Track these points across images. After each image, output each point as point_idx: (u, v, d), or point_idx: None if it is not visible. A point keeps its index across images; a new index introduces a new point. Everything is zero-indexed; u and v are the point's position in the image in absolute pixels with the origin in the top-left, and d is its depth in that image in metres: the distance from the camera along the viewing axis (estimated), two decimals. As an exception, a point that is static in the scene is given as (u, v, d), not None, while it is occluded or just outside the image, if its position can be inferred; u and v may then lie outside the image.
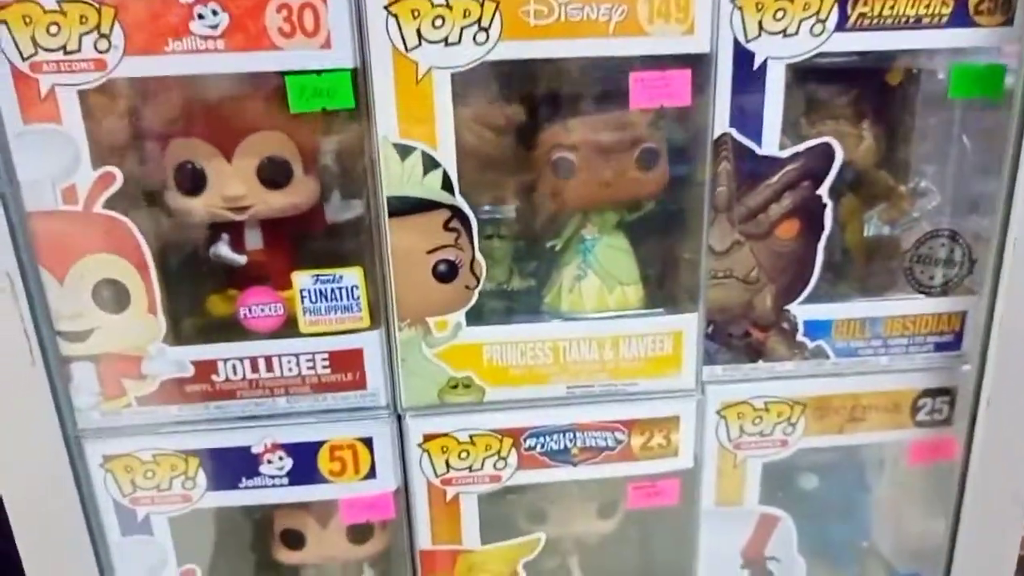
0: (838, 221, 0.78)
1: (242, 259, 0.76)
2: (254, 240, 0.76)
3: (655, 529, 0.91)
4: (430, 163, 0.69)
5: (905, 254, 0.79)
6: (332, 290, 0.73)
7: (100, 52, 0.64)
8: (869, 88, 0.77)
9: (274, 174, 0.72)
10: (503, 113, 0.74)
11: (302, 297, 0.73)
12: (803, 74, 0.72)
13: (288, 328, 0.75)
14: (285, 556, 0.86)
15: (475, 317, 0.75)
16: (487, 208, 0.79)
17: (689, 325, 0.76)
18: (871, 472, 0.92)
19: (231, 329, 0.75)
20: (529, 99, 0.74)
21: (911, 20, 0.69)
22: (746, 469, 0.84)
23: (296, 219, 0.75)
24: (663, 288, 0.80)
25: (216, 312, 0.78)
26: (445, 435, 0.78)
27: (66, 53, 0.63)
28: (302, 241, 0.78)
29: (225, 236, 0.76)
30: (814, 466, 0.90)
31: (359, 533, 0.85)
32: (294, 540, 0.85)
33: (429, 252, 0.73)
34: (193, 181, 0.72)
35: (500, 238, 0.81)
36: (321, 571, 0.89)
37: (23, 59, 0.63)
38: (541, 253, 0.81)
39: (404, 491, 0.80)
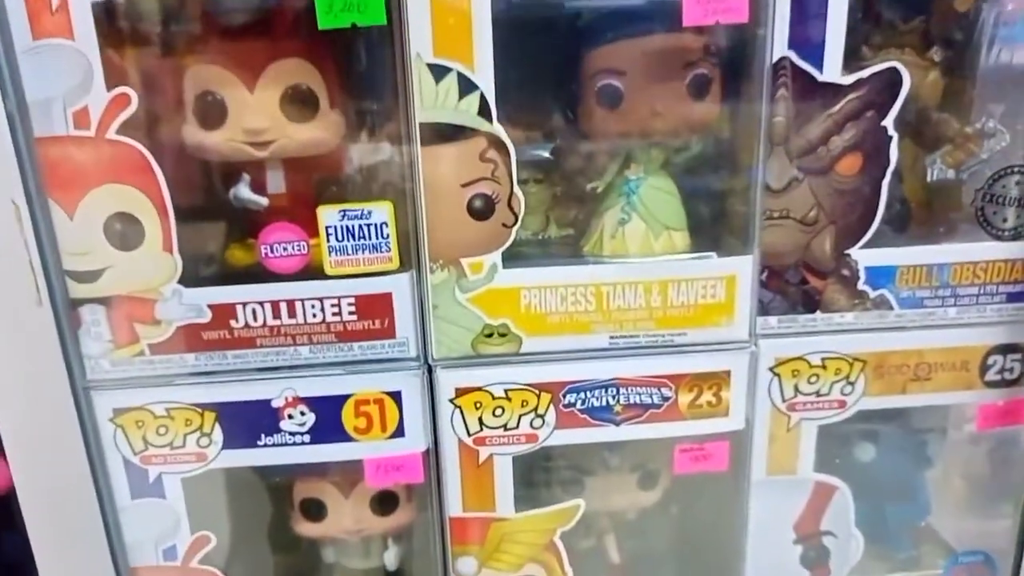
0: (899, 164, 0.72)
1: (264, 201, 0.71)
2: (276, 183, 0.72)
3: (699, 502, 0.85)
4: (466, 86, 0.64)
5: (976, 192, 0.73)
6: (360, 227, 0.68)
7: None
8: (936, 14, 0.72)
9: (299, 104, 0.67)
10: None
11: (328, 235, 0.68)
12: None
13: (312, 275, 0.70)
14: (305, 528, 0.81)
15: (511, 261, 0.70)
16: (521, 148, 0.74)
17: (743, 269, 0.71)
18: (933, 443, 0.86)
19: (252, 279, 0.71)
20: (571, 20, 0.69)
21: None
22: (800, 433, 0.78)
23: (320, 161, 0.71)
24: (713, 235, 0.75)
25: (236, 262, 0.73)
26: (479, 389, 0.72)
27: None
28: (326, 185, 0.73)
29: (246, 176, 0.71)
30: (871, 436, 0.84)
31: (383, 503, 0.80)
32: (314, 510, 0.80)
33: (464, 185, 0.68)
34: (213, 113, 0.67)
35: (536, 183, 0.76)
36: (342, 546, 0.84)
37: (32, -34, 0.59)
38: (580, 199, 0.76)
39: (434, 452, 0.75)
